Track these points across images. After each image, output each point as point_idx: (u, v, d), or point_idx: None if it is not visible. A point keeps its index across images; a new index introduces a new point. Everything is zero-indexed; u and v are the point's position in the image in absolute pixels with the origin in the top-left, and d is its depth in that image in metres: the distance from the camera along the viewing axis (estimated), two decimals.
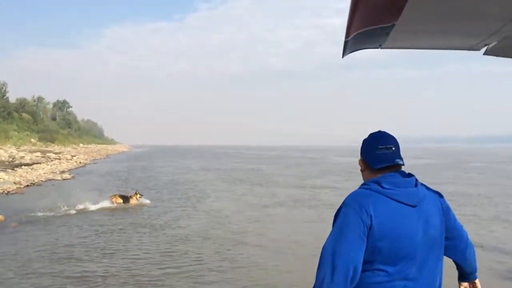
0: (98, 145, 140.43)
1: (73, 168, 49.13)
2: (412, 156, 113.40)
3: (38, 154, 57.49)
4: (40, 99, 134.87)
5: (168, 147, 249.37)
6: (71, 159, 58.86)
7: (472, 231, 16.44)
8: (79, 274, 10.39)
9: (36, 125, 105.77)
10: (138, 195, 21.53)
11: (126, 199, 21.28)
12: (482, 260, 12.25)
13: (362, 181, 2.82)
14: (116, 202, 21.15)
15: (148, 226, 16.60)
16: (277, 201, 24.68)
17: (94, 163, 62.07)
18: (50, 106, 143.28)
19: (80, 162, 57.86)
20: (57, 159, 56.32)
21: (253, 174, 45.81)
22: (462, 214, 20.43)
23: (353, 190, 2.75)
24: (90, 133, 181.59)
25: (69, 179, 36.11)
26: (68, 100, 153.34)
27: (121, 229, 16.01)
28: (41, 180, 32.70)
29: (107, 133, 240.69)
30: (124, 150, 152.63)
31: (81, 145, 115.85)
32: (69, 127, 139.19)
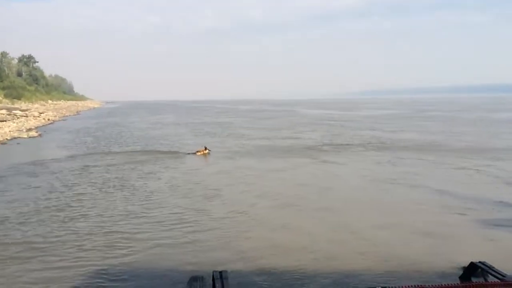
0: (68, 102, 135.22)
1: (41, 125, 47.42)
2: (379, 107, 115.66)
3: (4, 111, 54.94)
4: (3, 54, 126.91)
5: (141, 103, 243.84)
6: (38, 116, 56.66)
7: (420, 172, 17.26)
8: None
9: (1, 81, 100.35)
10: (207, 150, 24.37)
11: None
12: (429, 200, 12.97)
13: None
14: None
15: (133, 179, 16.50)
16: (245, 150, 24.91)
17: (64, 120, 60.14)
18: (15, 61, 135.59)
19: (48, 119, 55.86)
20: (24, 116, 54.10)
21: (224, 127, 45.72)
22: (414, 158, 21.40)
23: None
24: (59, 89, 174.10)
25: (36, 137, 34.93)
26: (34, 55, 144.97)
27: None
28: (6, 139, 31.51)
29: (77, 89, 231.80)
30: (96, 106, 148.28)
31: (49, 101, 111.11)
32: (37, 83, 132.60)
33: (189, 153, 24.20)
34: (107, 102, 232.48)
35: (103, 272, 7.88)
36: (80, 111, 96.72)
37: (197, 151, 24.13)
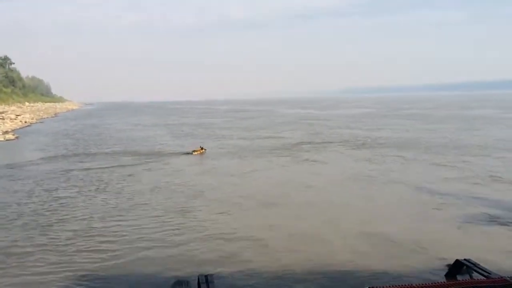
0: (45, 104, 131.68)
1: (18, 128, 46.05)
2: (357, 106, 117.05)
3: None
4: None
5: (120, 104, 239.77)
6: (15, 119, 54.98)
7: (397, 169, 17.52)
8: None
9: None
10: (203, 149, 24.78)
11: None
12: (403, 193, 13.12)
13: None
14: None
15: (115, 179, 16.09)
16: (226, 150, 24.70)
17: (41, 122, 58.54)
18: None
19: (25, 122, 54.29)
20: (0, 119, 52.38)
21: (205, 128, 45.36)
22: (391, 155, 21.73)
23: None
24: (37, 91, 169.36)
25: (13, 139, 33.89)
26: (10, 56, 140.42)
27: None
28: None
29: (55, 91, 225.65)
30: (74, 108, 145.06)
31: (26, 103, 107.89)
32: (13, 85, 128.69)
33: (186, 153, 24.29)
34: (86, 104, 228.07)
35: (85, 277, 7.64)
36: (58, 113, 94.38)
37: (194, 151, 24.33)
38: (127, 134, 39.23)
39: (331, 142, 28.92)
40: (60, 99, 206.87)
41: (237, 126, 48.95)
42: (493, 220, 10.52)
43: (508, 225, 10.09)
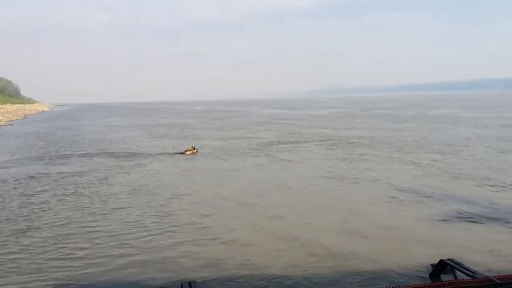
0: (14, 105, 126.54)
1: None
2: (329, 106, 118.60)
3: None
4: None
5: (92, 105, 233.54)
6: None
7: (369, 168, 17.70)
8: None
9: None
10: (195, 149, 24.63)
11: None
12: (376, 190, 13.23)
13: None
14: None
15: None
16: (202, 151, 24.33)
17: (11, 125, 56.06)
18: None
19: None
20: None
21: (180, 128, 44.68)
22: (359, 154, 22.03)
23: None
24: (5, 92, 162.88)
25: None
26: None
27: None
28: None
29: (25, 92, 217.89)
30: (45, 109, 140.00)
31: None
32: None
33: (178, 153, 24.19)
34: (57, 105, 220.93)
35: (60, 286, 7.19)
36: (28, 114, 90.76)
37: (186, 151, 24.28)
38: (101, 136, 38.07)
39: (303, 141, 29.18)
40: (29, 101, 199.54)
41: (213, 126, 48.54)
42: (468, 217, 10.69)
43: (482, 223, 10.27)
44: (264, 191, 14.48)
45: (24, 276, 7.65)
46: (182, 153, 24.06)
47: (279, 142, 28.75)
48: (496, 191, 13.55)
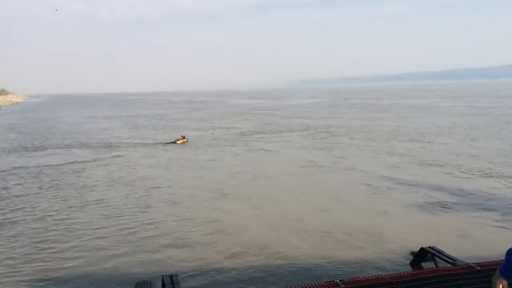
0: None
1: None
2: (308, 96, 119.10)
3: None
4: None
5: (68, 96, 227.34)
6: None
7: (345, 156, 17.84)
8: None
9: None
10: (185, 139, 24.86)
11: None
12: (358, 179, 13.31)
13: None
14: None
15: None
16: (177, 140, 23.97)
17: None
18: None
19: None
20: None
21: (158, 120, 43.93)
22: (336, 143, 22.17)
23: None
24: None
25: None
26: None
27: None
28: None
29: None
30: (18, 100, 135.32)
31: None
32: None
33: (168, 143, 24.14)
34: (32, 96, 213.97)
35: (38, 282, 6.88)
36: (0, 106, 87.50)
37: (177, 140, 24.47)
38: (79, 127, 37.02)
39: (281, 131, 29.30)
40: (2, 92, 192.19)
41: (191, 116, 47.97)
42: (444, 204, 10.84)
43: (458, 210, 10.42)
44: (243, 181, 14.37)
45: (1, 269, 7.29)
46: (173, 142, 24.09)
47: (257, 132, 28.76)
48: (469, 178, 13.82)
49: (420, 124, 31.37)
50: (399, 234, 8.72)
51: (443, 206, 10.68)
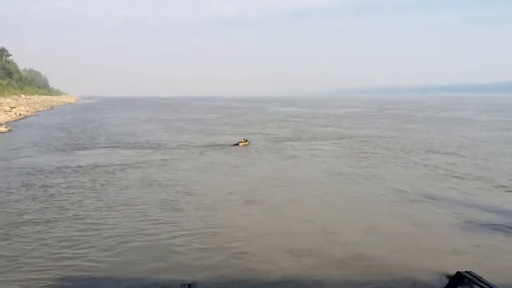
0: (42, 96, 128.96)
1: (12, 120, 44.70)
2: (346, 105, 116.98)
3: None
4: None
5: (117, 99, 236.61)
6: (10, 111, 53.32)
7: (376, 167, 17.05)
8: None
9: None
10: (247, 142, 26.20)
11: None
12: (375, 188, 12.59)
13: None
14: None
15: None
16: (216, 144, 24.07)
17: (36, 115, 57.08)
18: None
19: (20, 114, 52.77)
20: None
21: (199, 123, 44.60)
22: (371, 153, 21.34)
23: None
24: (34, 83, 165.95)
25: (6, 132, 32.72)
26: (7, 48, 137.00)
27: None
28: None
29: (52, 84, 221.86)
30: (71, 101, 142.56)
31: (23, 96, 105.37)
32: (10, 77, 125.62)
33: (232, 145, 25.52)
34: (83, 97, 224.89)
35: (63, 281, 6.98)
36: (54, 106, 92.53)
37: (239, 142, 25.91)
38: (122, 129, 38.27)
39: (317, 138, 29.11)
40: (57, 92, 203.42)
41: (230, 122, 48.35)
42: (482, 225, 10.05)
43: (494, 230, 9.61)
44: (274, 188, 14.16)
45: (33, 272, 7.48)
46: (236, 144, 25.50)
47: (292, 139, 28.49)
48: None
49: (455, 137, 29.79)
50: (432, 254, 8.11)
51: (482, 227, 9.88)
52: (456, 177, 15.83)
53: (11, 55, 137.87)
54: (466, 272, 6.18)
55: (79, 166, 17.93)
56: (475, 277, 6.01)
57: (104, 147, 24.39)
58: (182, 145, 25.81)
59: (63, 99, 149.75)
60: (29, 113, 57.96)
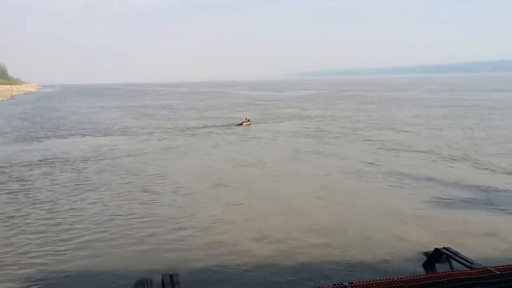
0: (0, 86, 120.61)
1: None
2: (308, 88, 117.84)
3: None
4: None
5: (80, 86, 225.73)
6: None
7: (337, 145, 17.22)
8: None
9: None
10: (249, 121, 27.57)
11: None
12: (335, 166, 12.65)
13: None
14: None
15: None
16: (179, 129, 23.40)
17: None
18: None
19: None
20: None
21: (166, 109, 43.27)
22: (328, 131, 21.63)
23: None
24: None
25: None
26: None
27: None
28: None
29: (11, 73, 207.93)
30: (32, 90, 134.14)
31: None
32: None
33: (238, 124, 26.75)
34: (45, 86, 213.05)
35: (44, 277, 6.42)
36: (14, 95, 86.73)
37: (242, 122, 27.22)
38: (87, 118, 36.41)
39: (279, 119, 29.82)
40: (17, 81, 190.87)
41: (195, 107, 47.45)
42: (451, 200, 10.25)
43: (471, 208, 9.74)
44: (243, 169, 14.06)
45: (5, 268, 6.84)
46: (240, 124, 26.73)
47: (256, 122, 28.62)
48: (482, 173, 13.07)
49: (403, 115, 31.17)
50: (411, 233, 7.89)
51: (462, 201, 9.86)
52: (405, 150, 16.81)
53: None
54: (444, 248, 6.15)
55: (45, 157, 16.80)
56: (453, 252, 5.98)
57: (68, 136, 23.07)
58: (149, 131, 24.92)
59: (23, 88, 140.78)
60: None
